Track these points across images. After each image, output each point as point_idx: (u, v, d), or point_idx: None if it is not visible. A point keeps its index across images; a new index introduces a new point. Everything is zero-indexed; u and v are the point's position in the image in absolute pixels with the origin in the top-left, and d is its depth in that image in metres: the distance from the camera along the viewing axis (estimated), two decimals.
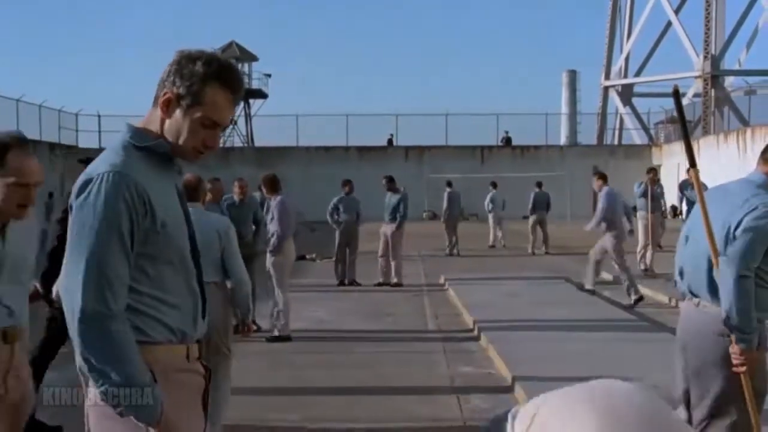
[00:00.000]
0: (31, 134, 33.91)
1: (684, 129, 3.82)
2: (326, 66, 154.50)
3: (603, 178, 12.87)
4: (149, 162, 2.42)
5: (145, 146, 2.41)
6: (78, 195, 2.33)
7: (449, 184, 21.90)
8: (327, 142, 40.74)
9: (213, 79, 2.37)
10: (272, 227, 9.55)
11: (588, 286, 12.55)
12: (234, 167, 31.25)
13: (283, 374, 7.62)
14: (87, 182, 2.33)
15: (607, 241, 12.34)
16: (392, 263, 14.38)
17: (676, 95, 3.73)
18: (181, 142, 2.42)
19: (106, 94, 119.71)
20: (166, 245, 2.39)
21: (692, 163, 3.66)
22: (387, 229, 14.57)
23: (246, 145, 44.06)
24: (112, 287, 2.27)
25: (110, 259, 2.27)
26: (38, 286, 5.54)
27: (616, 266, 12.22)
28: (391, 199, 14.66)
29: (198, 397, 2.54)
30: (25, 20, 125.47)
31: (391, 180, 14.99)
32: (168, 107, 2.39)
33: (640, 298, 11.74)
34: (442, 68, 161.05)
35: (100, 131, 41.22)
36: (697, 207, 3.67)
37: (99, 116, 41.41)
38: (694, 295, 3.82)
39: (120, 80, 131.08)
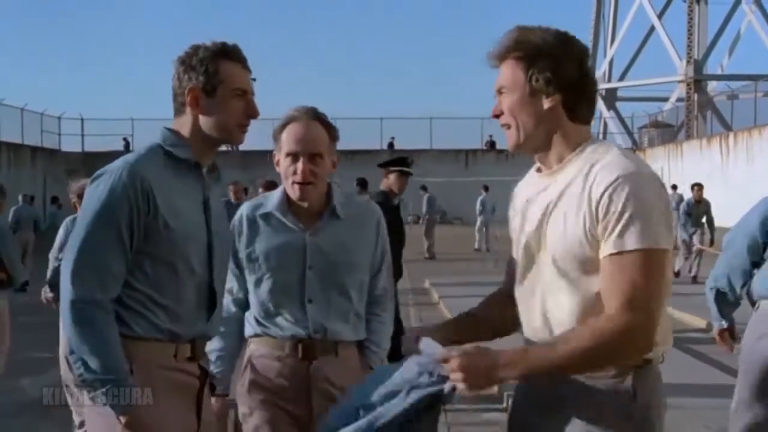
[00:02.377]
0: (13, 138, 33.69)
1: None
2: (311, 69, 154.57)
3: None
4: (171, 165, 2.46)
5: (169, 149, 2.47)
6: (89, 186, 2.41)
7: (424, 188, 21.96)
8: None
9: (221, 56, 2.46)
10: None
11: None
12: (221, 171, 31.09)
13: None
14: (99, 175, 2.41)
15: None
16: None
17: None
18: (226, 124, 2.48)
19: (90, 98, 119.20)
20: (169, 247, 2.40)
21: None
22: None
23: (231, 149, 43.92)
24: (100, 276, 2.31)
25: (102, 250, 2.31)
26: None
27: None
28: None
29: (187, 398, 2.51)
30: (4, 22, 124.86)
31: (363, 183, 14.94)
32: (198, 102, 2.45)
33: None
34: (427, 72, 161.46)
35: (83, 135, 41.02)
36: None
37: (82, 119, 41.19)
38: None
39: (104, 83, 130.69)
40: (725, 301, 4.18)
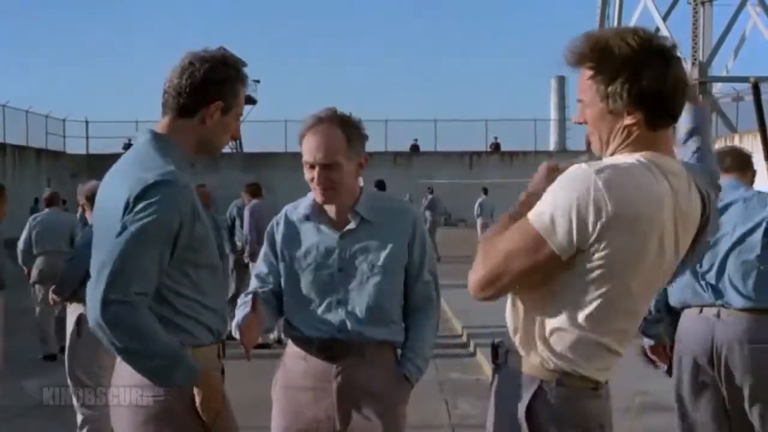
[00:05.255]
0: (18, 140, 33.74)
1: (761, 123, 3.61)
2: (311, 70, 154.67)
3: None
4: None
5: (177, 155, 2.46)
6: (137, 201, 2.28)
7: (431, 189, 22.04)
8: None
9: (241, 81, 2.53)
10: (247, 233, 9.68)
11: None
12: (222, 173, 31.22)
13: (264, 383, 7.53)
14: (146, 189, 2.28)
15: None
16: None
17: (756, 89, 3.53)
18: (221, 141, 2.56)
19: (94, 100, 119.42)
20: (208, 251, 2.46)
21: None
22: None
23: (234, 150, 44.00)
24: (136, 280, 2.26)
25: (143, 259, 2.27)
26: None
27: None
28: None
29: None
30: (8, 25, 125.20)
31: (381, 185, 14.83)
32: (213, 116, 2.47)
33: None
34: (432, 73, 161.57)
35: (87, 137, 41.05)
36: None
37: (87, 122, 41.22)
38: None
39: (109, 86, 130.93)
40: None
